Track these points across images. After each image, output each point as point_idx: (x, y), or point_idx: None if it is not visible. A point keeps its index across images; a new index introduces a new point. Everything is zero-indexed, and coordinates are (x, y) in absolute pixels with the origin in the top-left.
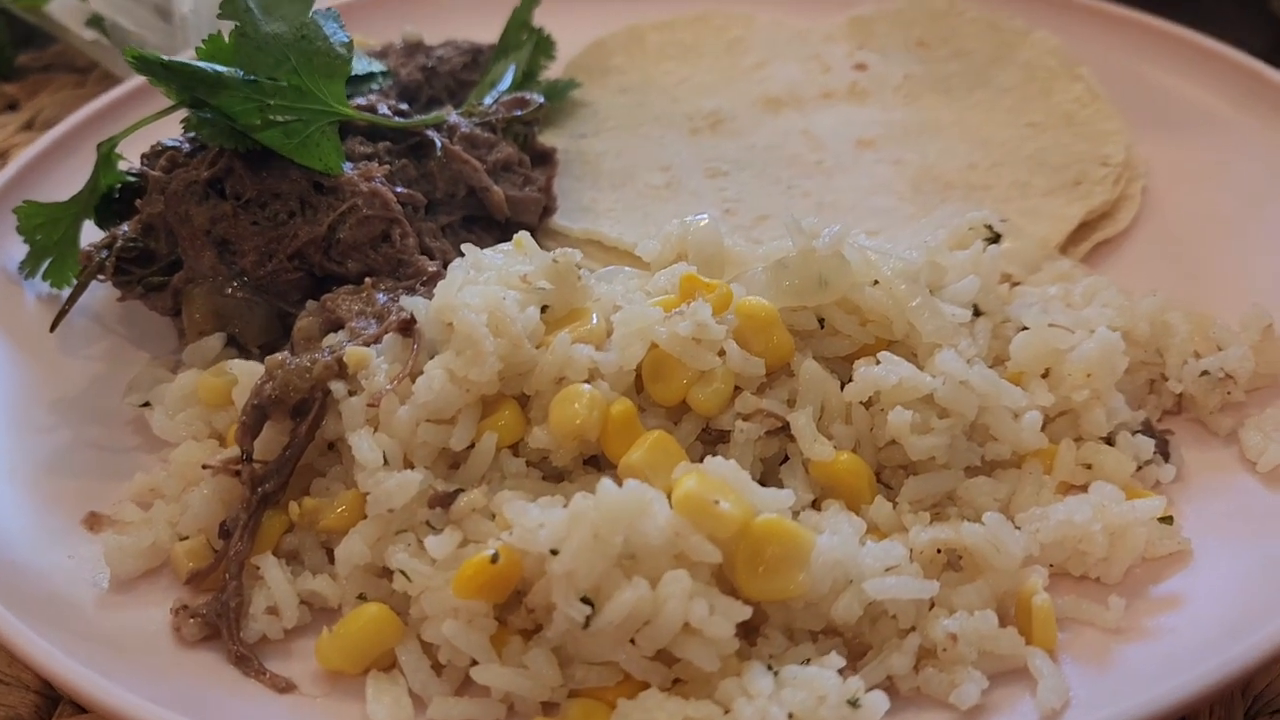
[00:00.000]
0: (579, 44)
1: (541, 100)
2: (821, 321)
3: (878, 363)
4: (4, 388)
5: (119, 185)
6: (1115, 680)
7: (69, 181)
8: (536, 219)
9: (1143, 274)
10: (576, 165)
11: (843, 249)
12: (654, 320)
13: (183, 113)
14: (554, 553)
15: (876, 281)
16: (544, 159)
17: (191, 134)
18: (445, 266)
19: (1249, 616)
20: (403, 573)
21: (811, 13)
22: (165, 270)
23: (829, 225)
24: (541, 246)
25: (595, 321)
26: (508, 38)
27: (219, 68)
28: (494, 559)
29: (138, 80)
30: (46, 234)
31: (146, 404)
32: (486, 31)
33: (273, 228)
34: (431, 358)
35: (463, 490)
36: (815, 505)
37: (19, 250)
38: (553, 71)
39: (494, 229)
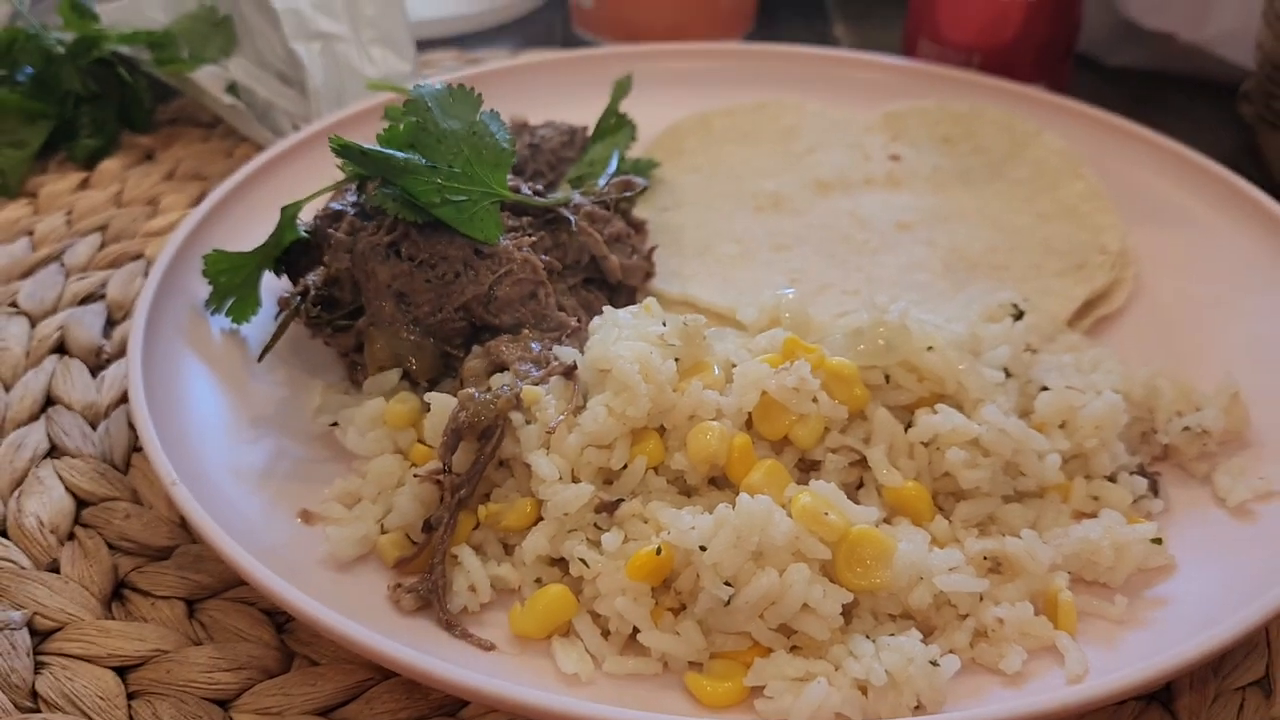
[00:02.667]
0: (655, 127)
1: (645, 184)
2: (887, 378)
3: (935, 412)
4: (215, 406)
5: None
6: (1120, 656)
7: (233, 229)
8: (640, 282)
9: (1135, 346)
10: (661, 235)
11: (906, 322)
12: (765, 374)
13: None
14: (703, 549)
15: (931, 348)
16: (637, 229)
17: (354, 199)
18: (578, 321)
19: (1218, 614)
20: (582, 560)
21: (851, 104)
22: (348, 315)
23: (897, 302)
24: None
25: (717, 373)
26: (602, 123)
27: (405, 155)
28: (658, 552)
29: (281, 146)
30: (230, 278)
31: (334, 423)
32: (576, 113)
33: (442, 285)
34: (585, 396)
35: (623, 500)
36: (887, 522)
37: (199, 289)
38: (633, 153)
39: (605, 289)
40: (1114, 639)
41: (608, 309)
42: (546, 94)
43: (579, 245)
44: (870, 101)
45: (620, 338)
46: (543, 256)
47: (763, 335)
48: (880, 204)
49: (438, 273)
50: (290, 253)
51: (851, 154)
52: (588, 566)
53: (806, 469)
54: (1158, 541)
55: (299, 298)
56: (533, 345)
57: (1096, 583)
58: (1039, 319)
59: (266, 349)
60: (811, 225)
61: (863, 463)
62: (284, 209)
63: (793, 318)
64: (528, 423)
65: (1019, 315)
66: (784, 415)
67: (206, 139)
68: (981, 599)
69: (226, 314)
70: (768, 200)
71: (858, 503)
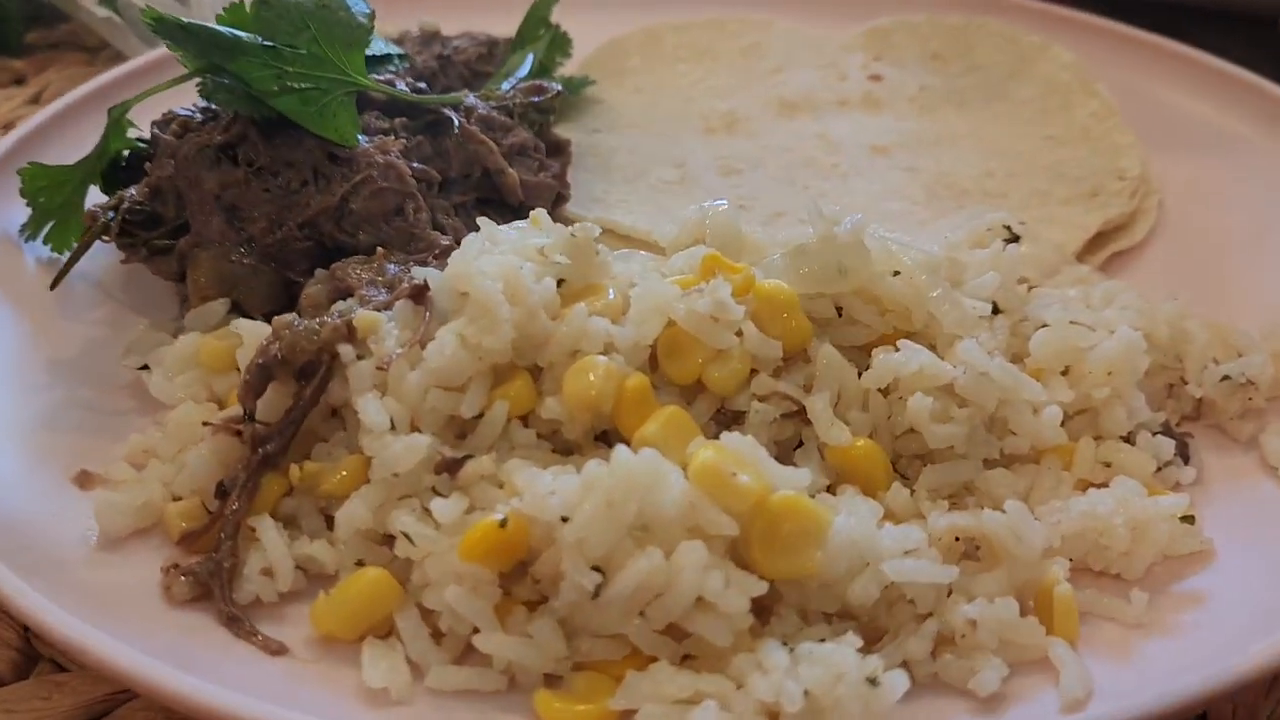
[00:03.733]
0: (594, 45)
1: (559, 88)
2: (839, 310)
3: (896, 350)
4: (4, 347)
5: (127, 152)
6: (1137, 673)
7: (74, 150)
8: (549, 205)
9: (1159, 284)
10: (589, 158)
11: (863, 238)
12: (672, 297)
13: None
14: (565, 520)
15: (897, 272)
16: (558, 149)
17: (203, 104)
18: (458, 243)
19: (1268, 618)
20: (406, 535)
21: (829, 21)
22: (171, 234)
23: (851, 214)
24: None
25: (612, 296)
26: (525, 31)
27: (237, 33)
28: (503, 523)
29: (148, 56)
30: (50, 197)
31: (145, 367)
32: (503, 26)
33: (284, 196)
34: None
35: (471, 456)
36: (830, 490)
37: (20, 214)
38: (568, 71)
39: (507, 212)
40: (1130, 650)
41: (484, 221)
42: (466, 2)
43: (469, 155)
44: (852, 19)
45: (487, 252)
46: (416, 164)
47: (679, 254)
48: (854, 126)
49: (279, 181)
50: (126, 166)
51: (825, 73)
52: (414, 545)
53: (728, 423)
54: (1188, 520)
55: (111, 213)
56: (389, 267)
57: (1107, 574)
58: (1040, 249)
59: (60, 275)
60: (769, 148)
61: (801, 415)
62: (110, 110)
63: (718, 234)
64: (360, 358)
65: (1013, 239)
66: (697, 351)
67: (90, 63)
68: (950, 593)
69: (45, 240)
70: (720, 121)
71: (792, 466)
